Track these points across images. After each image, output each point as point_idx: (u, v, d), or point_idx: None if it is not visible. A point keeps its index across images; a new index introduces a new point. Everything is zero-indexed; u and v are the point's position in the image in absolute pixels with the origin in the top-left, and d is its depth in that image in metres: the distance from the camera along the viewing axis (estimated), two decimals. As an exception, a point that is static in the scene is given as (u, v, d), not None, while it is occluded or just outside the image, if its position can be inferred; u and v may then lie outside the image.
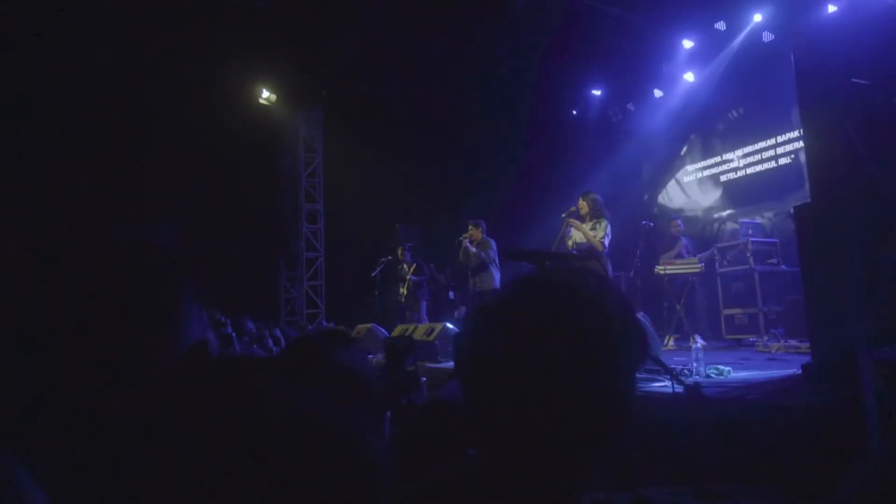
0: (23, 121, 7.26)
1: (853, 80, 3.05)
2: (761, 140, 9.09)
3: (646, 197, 11.18)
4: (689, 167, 10.43)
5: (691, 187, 10.40)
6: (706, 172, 10.10)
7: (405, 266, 8.91)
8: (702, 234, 9.36)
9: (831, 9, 5.81)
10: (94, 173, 7.82)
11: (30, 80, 7.40)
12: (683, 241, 8.02)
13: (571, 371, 0.68)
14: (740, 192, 9.47)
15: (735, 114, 9.58)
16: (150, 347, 0.67)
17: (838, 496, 0.47)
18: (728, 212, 9.64)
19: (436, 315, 9.21)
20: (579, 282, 0.75)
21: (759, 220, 8.67)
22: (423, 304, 8.86)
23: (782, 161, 8.79)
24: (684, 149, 10.55)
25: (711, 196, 9.99)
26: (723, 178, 9.77)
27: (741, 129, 9.42)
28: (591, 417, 0.69)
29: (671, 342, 7.09)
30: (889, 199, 2.90)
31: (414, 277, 8.76)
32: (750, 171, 9.34)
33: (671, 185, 10.78)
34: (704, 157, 10.15)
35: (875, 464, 0.46)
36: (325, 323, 10.51)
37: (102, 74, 7.92)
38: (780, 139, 8.83)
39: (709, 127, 10.03)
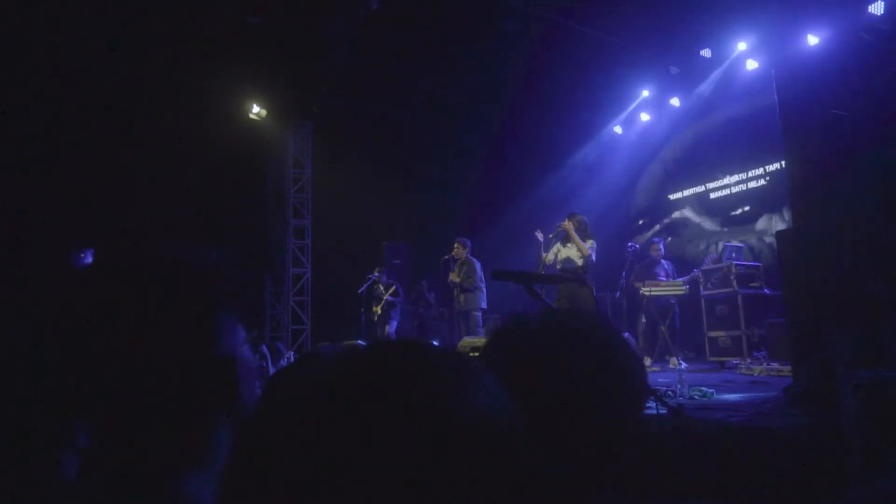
0: (12, 134, 7.23)
1: (832, 111, 3.15)
2: (748, 164, 9.24)
3: (640, 222, 11.24)
4: (680, 188, 10.55)
5: (685, 208, 10.49)
6: (697, 191, 10.22)
7: (381, 287, 9.12)
8: (696, 253, 9.47)
9: (812, 41, 5.97)
10: (80, 186, 7.78)
11: (19, 93, 7.38)
12: (664, 263, 8.05)
13: (584, 406, 0.77)
14: (733, 212, 9.60)
15: (723, 137, 9.73)
16: (174, 354, 0.70)
17: None
18: (722, 230, 9.74)
19: (422, 334, 9.30)
20: (596, 331, 0.85)
21: (752, 238, 8.83)
22: (394, 323, 9.20)
23: (775, 182, 8.89)
24: (672, 171, 10.70)
25: (705, 216, 10.10)
26: (712, 195, 9.90)
27: (730, 153, 9.55)
28: (599, 450, 0.78)
29: (650, 363, 7.15)
30: (863, 224, 2.98)
31: (391, 298, 9.09)
32: (736, 189, 9.47)
33: (668, 205, 10.87)
34: (694, 179, 10.29)
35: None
36: (309, 341, 10.45)
37: (92, 87, 7.92)
38: (770, 165, 8.95)
39: (695, 150, 10.17)
